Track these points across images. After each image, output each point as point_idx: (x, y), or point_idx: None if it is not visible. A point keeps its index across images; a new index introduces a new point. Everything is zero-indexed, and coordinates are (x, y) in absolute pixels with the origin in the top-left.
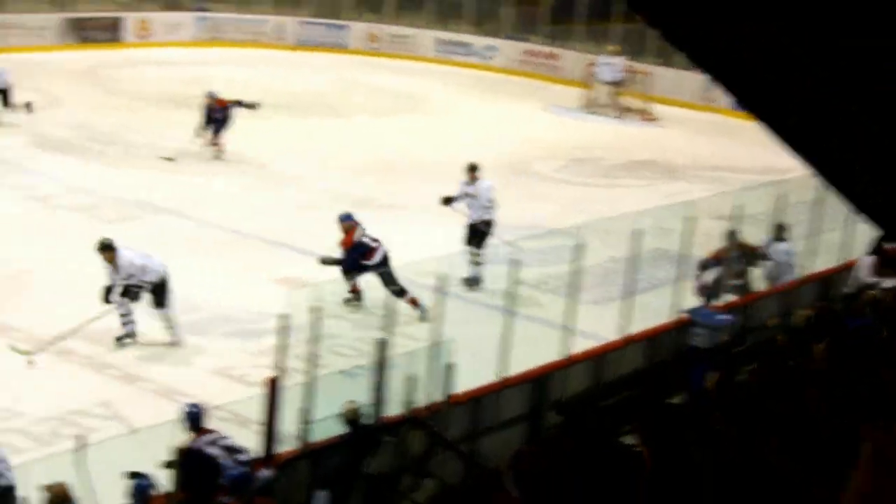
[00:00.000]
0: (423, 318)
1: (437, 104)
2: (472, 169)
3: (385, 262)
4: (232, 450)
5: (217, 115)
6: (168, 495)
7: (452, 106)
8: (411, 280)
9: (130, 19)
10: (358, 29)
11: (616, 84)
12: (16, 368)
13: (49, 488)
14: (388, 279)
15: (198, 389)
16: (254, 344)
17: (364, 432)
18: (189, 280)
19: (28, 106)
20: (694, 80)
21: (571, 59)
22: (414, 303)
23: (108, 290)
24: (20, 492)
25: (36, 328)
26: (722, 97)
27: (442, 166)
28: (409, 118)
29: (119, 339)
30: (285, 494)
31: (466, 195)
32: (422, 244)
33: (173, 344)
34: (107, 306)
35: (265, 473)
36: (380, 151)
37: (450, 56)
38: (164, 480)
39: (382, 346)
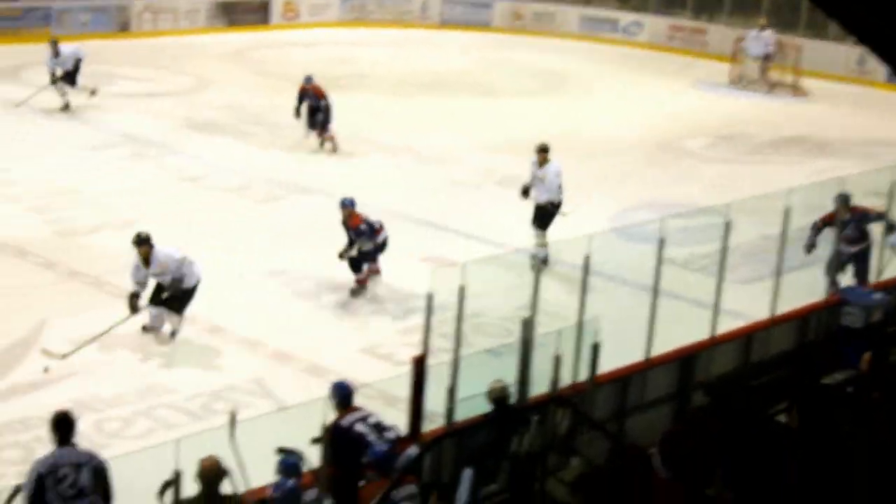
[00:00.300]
0: (356, 294)
1: (583, 82)
2: (543, 150)
3: (384, 245)
4: (379, 427)
5: (311, 102)
6: (317, 471)
7: (598, 84)
8: (556, 259)
9: (277, 1)
10: (502, 7)
11: (765, 58)
12: (170, 345)
13: (202, 461)
14: (367, 258)
15: (346, 367)
16: (401, 323)
17: (510, 411)
18: (337, 259)
19: (93, 92)
20: (847, 53)
21: (719, 33)
22: (361, 283)
23: (134, 295)
24: (175, 465)
25: (193, 308)
26: (877, 69)
27: (588, 144)
28: (555, 96)
29: (145, 328)
30: (431, 472)
31: (535, 177)
32: (569, 222)
33: (162, 340)
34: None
35: (411, 451)
36: (525, 130)
37: (594, 33)
38: (313, 457)
39: (528, 325)
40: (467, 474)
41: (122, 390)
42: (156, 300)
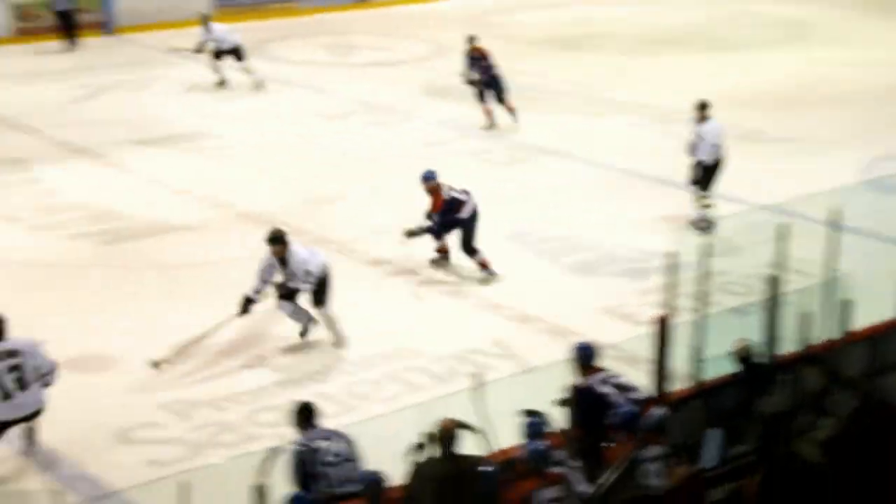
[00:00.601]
0: (487, 280)
1: (827, 30)
2: (702, 108)
3: (475, 216)
4: (624, 388)
5: (477, 64)
6: (561, 433)
7: (842, 31)
8: (802, 213)
9: None
10: None
11: None
12: (415, 310)
13: (439, 423)
14: (469, 235)
15: (588, 328)
16: (642, 282)
17: (757, 370)
18: (577, 220)
19: (259, 85)
20: None
21: None
22: (483, 265)
23: (249, 299)
24: (423, 427)
25: (435, 273)
26: None
27: (836, 94)
28: (798, 46)
29: (302, 334)
30: (678, 433)
31: (695, 136)
32: (813, 176)
33: (337, 344)
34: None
35: (657, 412)
36: (768, 83)
37: None
38: (558, 418)
39: (774, 282)
40: (714, 435)
41: (371, 354)
42: (290, 297)
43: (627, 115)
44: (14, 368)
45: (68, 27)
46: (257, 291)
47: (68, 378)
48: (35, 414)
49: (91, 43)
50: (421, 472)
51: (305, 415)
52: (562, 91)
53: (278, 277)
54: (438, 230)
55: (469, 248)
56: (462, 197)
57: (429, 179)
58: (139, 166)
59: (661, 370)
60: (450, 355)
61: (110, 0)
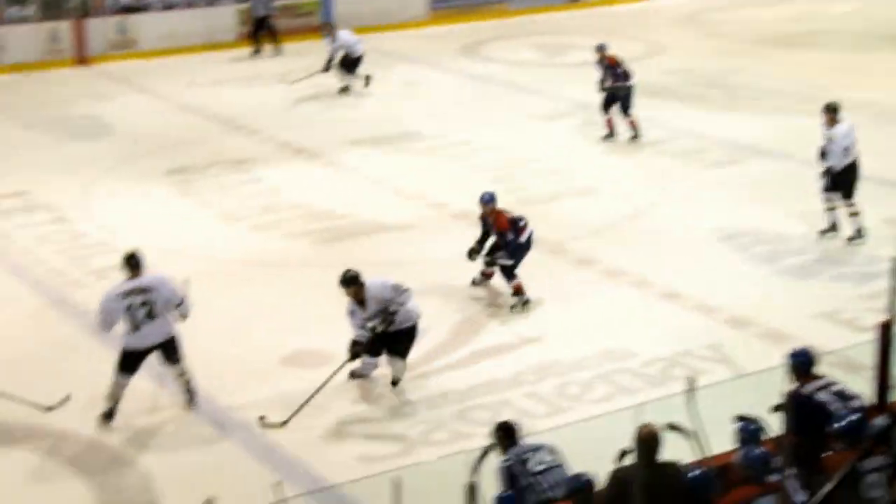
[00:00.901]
0: (516, 309)
1: None
2: (829, 110)
3: (530, 243)
4: (844, 396)
5: (611, 72)
6: (777, 439)
7: None
8: None
9: None
10: None
11: None
12: (629, 311)
13: (639, 429)
14: (519, 259)
15: (805, 333)
16: (864, 287)
17: None
18: (794, 222)
19: (367, 79)
20: None
21: None
22: (518, 290)
23: (356, 342)
24: (633, 431)
25: (648, 274)
26: None
27: None
28: None
29: (353, 374)
30: None
31: (826, 139)
32: None
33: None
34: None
35: (880, 421)
36: None
37: None
38: (773, 425)
39: None
40: None
41: (582, 355)
42: (374, 350)
43: (848, 114)
44: (145, 303)
45: (258, 33)
46: (360, 336)
47: (290, 374)
48: (165, 343)
49: (312, 46)
50: (619, 479)
51: (507, 432)
52: (780, 90)
53: (365, 321)
54: (514, 249)
55: (510, 271)
56: (521, 222)
57: (489, 202)
58: (356, 166)
59: (883, 378)
60: (662, 358)
61: (330, 3)
